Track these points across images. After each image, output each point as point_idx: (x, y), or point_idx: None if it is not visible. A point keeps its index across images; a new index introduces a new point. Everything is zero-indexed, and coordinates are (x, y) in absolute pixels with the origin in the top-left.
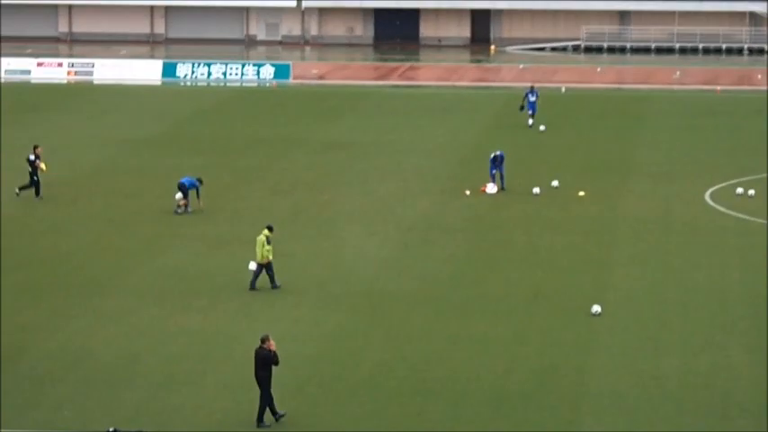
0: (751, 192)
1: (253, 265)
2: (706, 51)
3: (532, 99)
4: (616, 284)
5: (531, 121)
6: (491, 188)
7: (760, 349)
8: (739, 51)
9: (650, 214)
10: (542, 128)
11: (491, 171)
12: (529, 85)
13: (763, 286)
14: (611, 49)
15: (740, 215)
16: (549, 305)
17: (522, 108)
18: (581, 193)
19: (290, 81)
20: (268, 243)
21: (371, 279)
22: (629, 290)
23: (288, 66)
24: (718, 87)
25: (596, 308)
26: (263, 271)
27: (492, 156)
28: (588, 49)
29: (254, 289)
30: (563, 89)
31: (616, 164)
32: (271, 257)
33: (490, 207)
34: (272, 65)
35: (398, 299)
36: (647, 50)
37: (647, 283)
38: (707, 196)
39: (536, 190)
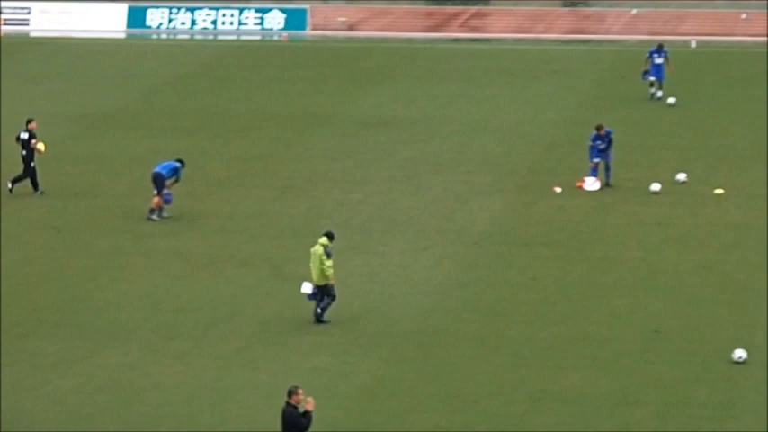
0: None
1: (307, 287)
2: None
3: (659, 61)
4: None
5: (656, 92)
6: (591, 183)
7: None
8: None
9: None
10: (671, 100)
11: (592, 158)
12: (654, 41)
13: None
14: None
15: None
16: (672, 349)
17: (645, 74)
18: (718, 191)
19: (307, 33)
20: (328, 257)
21: (422, 313)
22: None
23: (304, 11)
24: None
25: (740, 353)
26: (321, 297)
27: (594, 135)
28: None
29: (322, 321)
30: (693, 44)
31: (763, 150)
32: (332, 277)
33: (590, 210)
34: (282, 10)
35: (460, 340)
36: None
37: None
38: None
39: (655, 186)
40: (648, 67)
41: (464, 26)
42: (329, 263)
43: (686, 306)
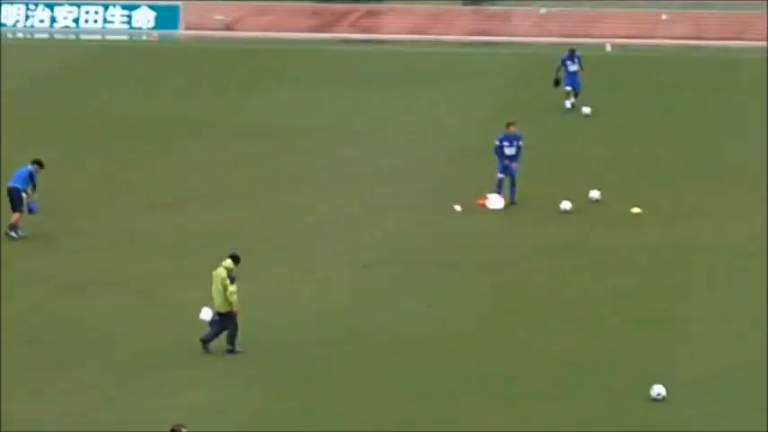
0: None
1: (207, 314)
2: None
3: (573, 69)
4: (690, 355)
5: (570, 102)
6: (495, 201)
7: None
8: None
9: (743, 243)
10: (586, 110)
11: (499, 172)
12: (565, 43)
13: None
14: None
15: None
16: (584, 384)
17: (557, 83)
18: (635, 210)
19: (180, 32)
20: (231, 281)
21: (308, 343)
22: (710, 363)
23: (176, 9)
24: None
25: (658, 390)
26: (223, 325)
27: (502, 135)
28: None
29: (207, 350)
30: (608, 47)
31: (691, 165)
32: (236, 304)
33: (494, 231)
34: (152, 7)
35: (350, 373)
36: None
37: (738, 352)
38: None
39: (566, 205)
40: (561, 75)
41: (354, 26)
42: (233, 288)
43: (600, 337)
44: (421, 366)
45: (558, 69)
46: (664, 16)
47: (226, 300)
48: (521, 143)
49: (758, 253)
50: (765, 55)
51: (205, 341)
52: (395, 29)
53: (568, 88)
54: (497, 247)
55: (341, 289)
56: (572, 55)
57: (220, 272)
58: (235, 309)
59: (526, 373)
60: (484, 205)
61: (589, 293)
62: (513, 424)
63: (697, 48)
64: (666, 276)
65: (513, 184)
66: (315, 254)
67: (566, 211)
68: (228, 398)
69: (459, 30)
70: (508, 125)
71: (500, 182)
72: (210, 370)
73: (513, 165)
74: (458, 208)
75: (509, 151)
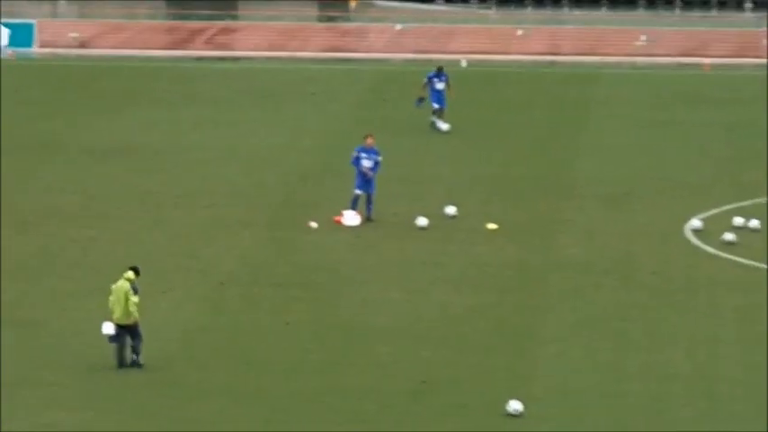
0: (754, 222)
1: (109, 328)
2: (687, 4)
3: (440, 86)
4: (546, 370)
5: (440, 125)
6: (351, 218)
7: None
8: (739, 4)
9: (599, 260)
10: (445, 127)
11: (356, 188)
12: (420, 59)
13: None
14: (539, 0)
15: (739, 259)
16: (442, 401)
17: (420, 100)
18: (491, 226)
19: (35, 50)
20: (135, 292)
21: (163, 362)
22: (566, 379)
23: (30, 26)
24: (707, 61)
25: (515, 405)
26: (125, 337)
27: (355, 154)
28: (504, 0)
29: (124, 365)
30: (464, 63)
31: (546, 181)
32: (137, 315)
33: (350, 248)
34: (6, 24)
35: (205, 393)
36: (595, 1)
37: (594, 368)
38: (687, 230)
39: (422, 221)
40: (426, 93)
41: (209, 43)
42: (136, 299)
43: (457, 354)
44: (277, 384)
45: (424, 87)
46: (519, 32)
47: (126, 311)
48: (379, 158)
49: (613, 269)
50: (621, 70)
51: (120, 362)
52: (250, 45)
53: (436, 106)
54: (354, 264)
55: (197, 306)
56: (439, 73)
57: (122, 284)
58: (136, 320)
59: (384, 389)
60: (340, 222)
61: (446, 310)
62: None
63: (552, 63)
64: (523, 292)
65: (369, 201)
66: (170, 271)
67: (422, 228)
68: (84, 420)
69: (314, 46)
70: (366, 137)
71: (356, 198)
72: (66, 390)
73: (370, 174)
74: (314, 225)
75: (367, 163)
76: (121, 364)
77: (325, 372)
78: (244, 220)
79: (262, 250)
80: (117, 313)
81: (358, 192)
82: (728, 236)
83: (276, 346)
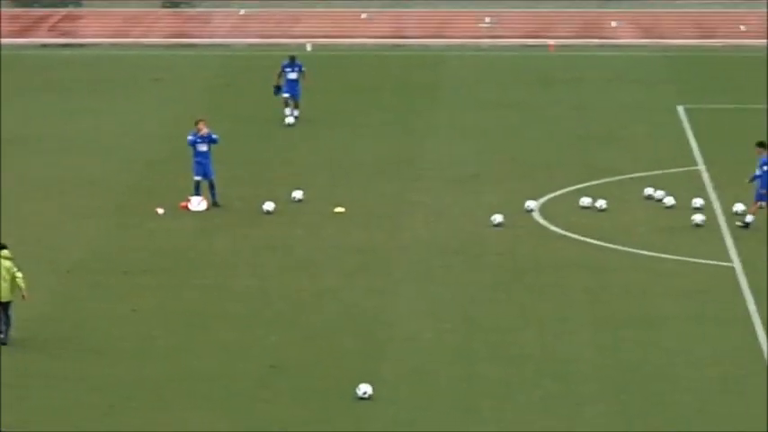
0: (601, 203)
1: None
2: None
3: (292, 76)
4: (395, 353)
5: (290, 111)
6: (198, 203)
7: None
8: None
9: (447, 241)
10: (290, 120)
11: (195, 174)
12: (265, 44)
13: (625, 350)
14: None
15: (587, 239)
16: (291, 385)
17: (277, 89)
18: (339, 210)
19: None
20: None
21: (8, 351)
22: (415, 361)
23: None
24: (551, 42)
25: (365, 388)
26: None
27: (193, 132)
28: None
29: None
30: (309, 47)
31: (393, 163)
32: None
33: (197, 233)
34: None
35: (53, 380)
36: None
37: (443, 350)
38: (535, 211)
39: (268, 206)
40: (281, 82)
41: (53, 30)
42: (20, 274)
43: (306, 338)
44: (125, 371)
45: (279, 76)
46: (363, 15)
47: (11, 288)
48: (213, 137)
49: (460, 250)
50: (467, 52)
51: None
52: (94, 32)
53: (286, 95)
54: (202, 250)
55: (44, 294)
56: (292, 62)
57: (4, 263)
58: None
59: (233, 374)
60: (187, 208)
61: (294, 293)
62: (222, 426)
63: (397, 46)
64: (371, 275)
65: (211, 186)
66: (18, 261)
67: (269, 212)
68: None
69: (159, 32)
70: (197, 123)
71: (197, 184)
72: None
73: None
74: (161, 211)
75: (202, 148)
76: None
77: (173, 358)
78: (91, 207)
79: (109, 238)
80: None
81: (197, 178)
82: (576, 216)
83: (124, 334)
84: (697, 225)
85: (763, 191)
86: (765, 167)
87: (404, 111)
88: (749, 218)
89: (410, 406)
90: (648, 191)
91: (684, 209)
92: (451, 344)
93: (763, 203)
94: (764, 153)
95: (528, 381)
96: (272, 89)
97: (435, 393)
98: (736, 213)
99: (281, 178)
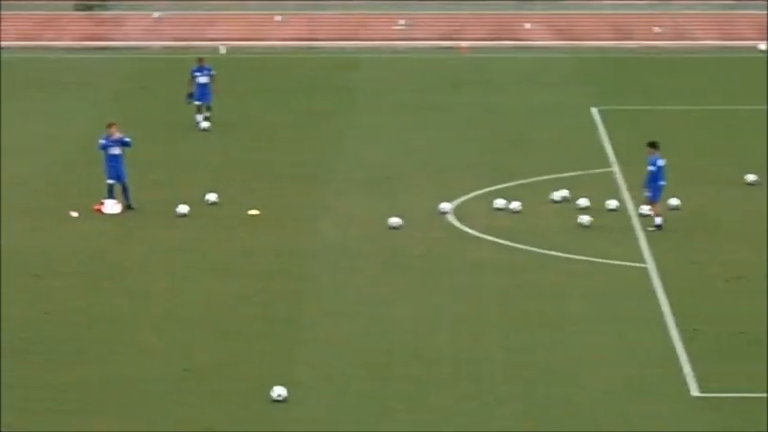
0: (515, 204)
1: None
2: None
3: (202, 80)
4: (310, 355)
5: (202, 116)
6: (111, 206)
7: None
8: None
9: (362, 244)
10: (204, 125)
11: (108, 178)
12: (180, 47)
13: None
14: None
15: (501, 241)
16: (206, 388)
17: (189, 96)
18: (253, 212)
19: None
20: None
21: None
22: (330, 363)
23: None
24: (464, 44)
25: (279, 391)
26: None
27: (105, 136)
28: None
29: None
30: (223, 49)
31: (307, 166)
32: None
33: (111, 236)
34: None
35: None
36: None
37: (358, 352)
38: (449, 213)
39: (182, 209)
40: (192, 88)
41: None
42: None
43: (220, 341)
44: (37, 374)
45: (189, 82)
46: (278, 18)
47: None
48: (126, 140)
49: (373, 253)
50: (381, 54)
51: None
52: (5, 35)
53: (198, 102)
54: (116, 253)
55: None
56: (201, 66)
57: None
58: None
59: (147, 377)
60: (101, 211)
61: (209, 296)
62: (136, 429)
63: (312, 48)
64: (286, 278)
65: (124, 189)
66: None
67: (183, 215)
68: None
69: (71, 35)
70: (109, 126)
71: (110, 187)
72: None
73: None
74: (74, 214)
75: (114, 151)
76: None
77: (87, 361)
78: (4, 209)
79: (21, 240)
80: None
81: (110, 181)
82: (490, 218)
83: (36, 337)
84: (584, 226)
85: (650, 192)
86: (651, 167)
87: (318, 113)
88: (658, 220)
89: (325, 408)
90: (562, 192)
91: (598, 210)
92: (366, 346)
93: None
94: (655, 153)
95: (442, 382)
96: (185, 97)
97: (350, 395)
98: (642, 215)
99: (195, 181)
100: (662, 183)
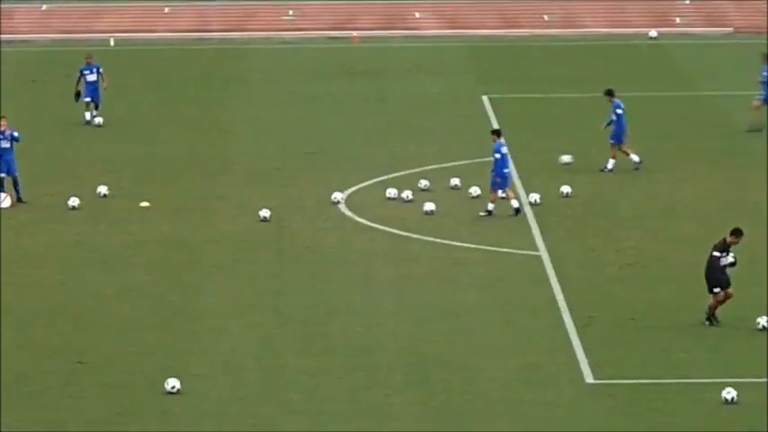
0: (407, 193)
1: None
2: None
3: (91, 78)
4: (204, 347)
5: (90, 114)
6: (2, 200)
7: None
8: None
9: (254, 234)
10: (98, 120)
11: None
12: (70, 39)
13: (433, 342)
14: None
15: (393, 230)
16: (98, 381)
17: (78, 95)
18: (144, 204)
19: None
20: None
21: None
22: (225, 355)
23: None
24: (355, 33)
25: (172, 383)
26: None
27: None
28: None
29: None
30: (112, 42)
31: (198, 158)
32: None
33: (2, 230)
34: None
35: None
36: None
37: (252, 343)
38: (341, 203)
39: (73, 201)
40: (81, 87)
41: None
42: None
43: (114, 333)
44: None
45: (78, 81)
46: (167, 9)
47: None
48: (14, 134)
49: (265, 244)
50: (271, 45)
51: None
52: None
53: (87, 100)
54: (8, 246)
55: None
56: (89, 64)
57: None
58: None
59: (40, 371)
60: None
61: (102, 289)
62: (29, 423)
63: (201, 40)
64: (179, 269)
65: (15, 183)
66: None
67: (74, 208)
68: None
69: None
70: None
71: (1, 181)
72: None
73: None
74: None
75: (4, 145)
76: None
77: None
78: None
79: None
80: None
81: (2, 174)
82: (382, 207)
83: None
84: (427, 213)
85: (498, 179)
86: (496, 155)
87: (209, 105)
88: (490, 206)
89: (219, 399)
90: (454, 181)
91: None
92: (260, 337)
93: (501, 192)
94: (499, 140)
95: (336, 372)
96: (74, 96)
97: (244, 386)
98: (532, 204)
99: (85, 174)
100: (506, 170)
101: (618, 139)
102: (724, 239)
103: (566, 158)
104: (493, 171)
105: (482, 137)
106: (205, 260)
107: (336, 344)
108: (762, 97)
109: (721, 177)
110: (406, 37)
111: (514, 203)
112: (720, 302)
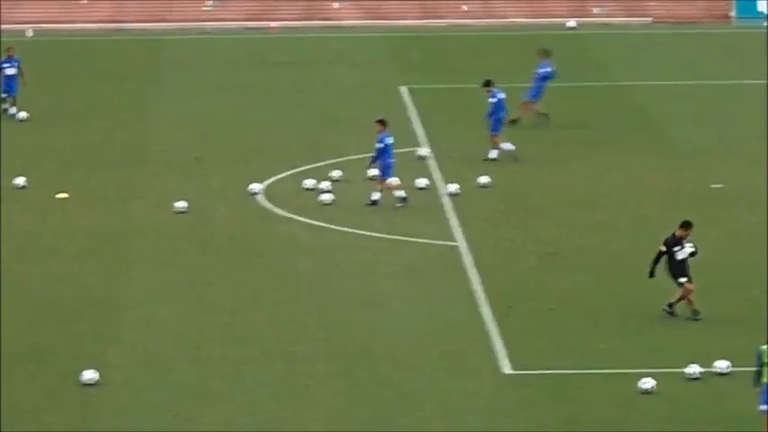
0: (325, 184)
1: None
2: None
3: (10, 72)
4: (127, 337)
5: (10, 110)
6: None
7: None
8: None
9: (176, 225)
10: (22, 115)
11: None
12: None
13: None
14: None
15: (311, 221)
16: (19, 372)
17: (4, 94)
18: (62, 195)
19: None
20: None
21: None
22: (147, 345)
23: None
24: (274, 24)
25: (89, 375)
26: None
27: None
28: None
29: None
30: (30, 33)
31: (118, 148)
32: None
33: None
34: None
35: None
36: None
37: (175, 333)
38: (259, 194)
39: None
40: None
41: None
42: None
43: (35, 324)
44: None
45: None
46: (84, 0)
47: None
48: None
49: (189, 234)
50: (189, 36)
51: None
52: None
53: (5, 95)
54: None
55: None
56: (9, 57)
57: None
58: None
59: None
60: None
61: (22, 279)
62: None
63: (118, 30)
64: (100, 259)
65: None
66: None
67: None
68: None
69: None
70: None
71: None
72: None
73: None
74: None
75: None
76: None
77: None
78: None
79: None
80: None
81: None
82: (300, 198)
83: None
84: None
85: (379, 167)
86: (379, 144)
87: (127, 96)
88: (375, 195)
89: (140, 389)
90: (372, 171)
91: (408, 189)
92: (182, 326)
93: (391, 181)
94: (384, 130)
95: (258, 361)
96: None
97: (166, 376)
98: (450, 194)
99: (2, 166)
100: (390, 160)
101: (496, 128)
102: (674, 234)
103: (422, 151)
104: (378, 160)
105: (401, 127)
106: (128, 250)
107: (258, 333)
108: (531, 94)
109: (638, 167)
110: (325, 27)
111: (400, 193)
112: (686, 295)
